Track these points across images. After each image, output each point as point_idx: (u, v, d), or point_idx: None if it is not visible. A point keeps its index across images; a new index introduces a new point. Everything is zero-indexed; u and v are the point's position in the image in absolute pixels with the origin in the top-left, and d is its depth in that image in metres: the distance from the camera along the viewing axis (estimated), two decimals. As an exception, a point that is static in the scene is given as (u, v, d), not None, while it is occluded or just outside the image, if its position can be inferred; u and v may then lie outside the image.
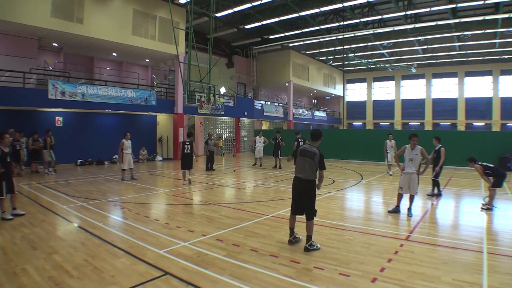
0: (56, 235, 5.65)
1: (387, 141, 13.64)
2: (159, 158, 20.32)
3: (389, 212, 7.03)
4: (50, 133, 13.51)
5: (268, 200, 8.65)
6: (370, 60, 32.85)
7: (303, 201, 5.00)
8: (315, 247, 4.96)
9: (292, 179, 5.21)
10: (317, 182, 5.04)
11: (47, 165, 13.49)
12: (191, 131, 12.40)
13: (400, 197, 7.17)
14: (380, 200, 9.21)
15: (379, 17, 21.29)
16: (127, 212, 7.35)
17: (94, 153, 17.67)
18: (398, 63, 33.69)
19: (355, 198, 9.45)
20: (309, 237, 4.95)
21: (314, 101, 42.32)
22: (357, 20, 21.96)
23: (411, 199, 7.17)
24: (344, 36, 25.17)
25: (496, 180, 7.66)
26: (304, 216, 5.04)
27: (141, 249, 4.93)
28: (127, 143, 11.85)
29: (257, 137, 17.45)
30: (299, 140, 12.50)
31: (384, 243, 5.30)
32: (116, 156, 18.56)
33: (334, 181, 12.01)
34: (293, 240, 5.18)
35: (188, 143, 11.34)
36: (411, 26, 22.57)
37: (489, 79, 34.05)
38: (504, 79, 33.37)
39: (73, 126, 16.97)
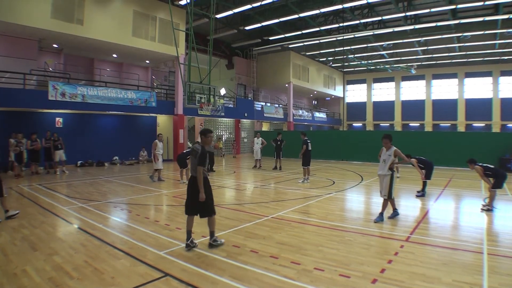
0: (56, 236, 5.65)
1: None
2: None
3: (389, 218, 6.82)
4: (55, 135, 14.23)
5: (268, 202, 8.65)
6: (370, 61, 32.88)
7: (196, 200, 4.88)
8: (218, 242, 5.09)
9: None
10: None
11: (63, 164, 14.39)
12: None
13: (391, 200, 6.85)
14: (381, 201, 9.19)
15: (379, 18, 21.32)
16: (127, 213, 7.35)
17: (94, 154, 17.68)
18: (398, 64, 33.74)
19: (355, 199, 9.45)
20: (211, 233, 5.07)
21: (314, 102, 42.35)
22: (357, 21, 21.99)
23: (384, 203, 6.78)
24: (344, 37, 25.21)
25: (496, 181, 7.66)
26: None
27: (141, 250, 4.93)
28: (160, 144, 12.08)
29: (255, 138, 17.39)
30: (308, 142, 12.30)
31: (384, 244, 5.30)
32: (117, 157, 18.60)
33: (334, 182, 12.01)
34: (191, 244, 4.95)
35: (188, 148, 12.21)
36: (411, 27, 22.61)
37: (489, 80, 34.08)
38: (504, 80, 33.41)
39: (73, 127, 16.98)
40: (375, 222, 6.57)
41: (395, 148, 6.68)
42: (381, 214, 6.74)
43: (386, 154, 6.73)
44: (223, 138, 26.88)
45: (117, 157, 18.65)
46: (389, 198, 6.73)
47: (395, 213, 6.91)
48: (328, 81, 36.93)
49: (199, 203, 4.87)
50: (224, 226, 6.27)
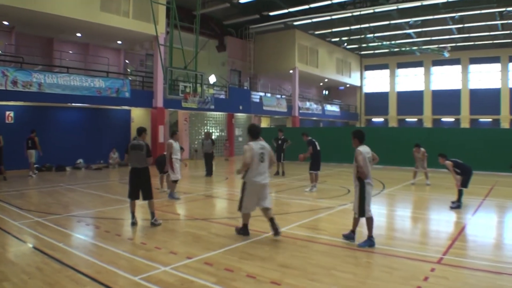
0: (6, 258, 5.62)
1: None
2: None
3: (344, 237, 6.38)
4: (35, 133, 15.09)
5: (268, 215, 8.64)
6: (393, 42, 32.97)
7: (140, 186, 7.26)
8: (159, 222, 7.35)
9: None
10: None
11: (31, 167, 15.24)
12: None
13: (357, 219, 6.39)
14: (406, 214, 9.22)
15: (404, -11, 21.40)
16: (94, 229, 7.33)
17: (53, 156, 17.58)
18: (427, 45, 33.85)
19: (376, 212, 9.39)
20: (152, 214, 7.30)
21: (325, 92, 42.47)
22: (378, -7, 22.05)
23: (354, 220, 6.34)
24: (362, 12, 25.26)
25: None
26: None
27: (111, 275, 4.91)
28: (176, 145, 10.58)
29: None
30: (314, 141, 12.31)
31: (411, 267, 5.30)
32: (81, 161, 18.56)
33: (349, 191, 12.02)
34: (134, 222, 7.29)
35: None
36: (444, 0, 22.67)
37: (539, 65, 34.27)
38: (557, 65, 33.58)
39: (27, 123, 16.84)
40: (344, 237, 6.36)
41: (357, 148, 6.25)
42: (353, 231, 6.35)
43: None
44: (213, 137, 26.88)
45: (81, 160, 18.60)
46: (360, 216, 6.19)
47: (349, 236, 6.34)
48: (342, 67, 37.04)
49: (143, 188, 7.26)
50: (214, 245, 6.26)
